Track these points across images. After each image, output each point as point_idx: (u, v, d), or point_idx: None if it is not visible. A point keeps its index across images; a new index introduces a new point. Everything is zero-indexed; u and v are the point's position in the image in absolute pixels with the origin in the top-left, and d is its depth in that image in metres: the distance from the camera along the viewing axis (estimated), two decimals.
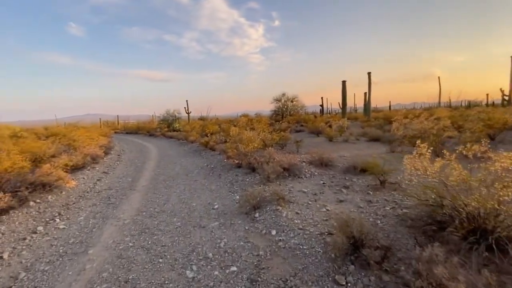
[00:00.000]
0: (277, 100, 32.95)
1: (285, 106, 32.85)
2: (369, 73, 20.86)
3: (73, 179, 7.38)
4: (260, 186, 5.27)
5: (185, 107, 30.65)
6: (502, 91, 25.11)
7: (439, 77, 32.67)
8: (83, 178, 7.63)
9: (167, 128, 24.28)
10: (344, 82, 17.40)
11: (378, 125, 15.38)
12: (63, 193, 6.14)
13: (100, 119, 44.85)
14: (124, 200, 5.59)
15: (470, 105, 29.07)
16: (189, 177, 7.14)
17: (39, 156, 8.56)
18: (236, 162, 7.59)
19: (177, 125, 24.50)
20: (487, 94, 29.90)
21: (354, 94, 39.12)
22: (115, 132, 31.91)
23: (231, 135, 7.80)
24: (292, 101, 32.76)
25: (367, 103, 21.47)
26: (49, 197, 5.72)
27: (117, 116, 43.47)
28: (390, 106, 35.04)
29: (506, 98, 24.27)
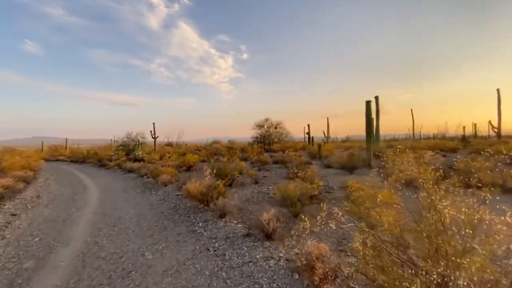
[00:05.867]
0: (260, 126, 27.90)
1: (268, 133, 27.87)
2: (376, 97, 16.91)
3: None
4: None
5: (151, 131, 23.75)
6: (490, 123, 23.41)
7: (411, 110, 31.02)
8: None
9: (125, 157, 17.16)
10: (368, 103, 12.95)
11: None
12: None
13: (42, 142, 34.91)
14: None
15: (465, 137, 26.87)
16: None
17: None
18: None
19: (140, 153, 17.57)
20: (464, 127, 28.56)
21: (328, 124, 34.54)
22: (57, 160, 23.39)
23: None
24: (276, 128, 28.00)
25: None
26: None
27: (66, 139, 33.92)
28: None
29: (495, 130, 22.28)
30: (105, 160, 17.40)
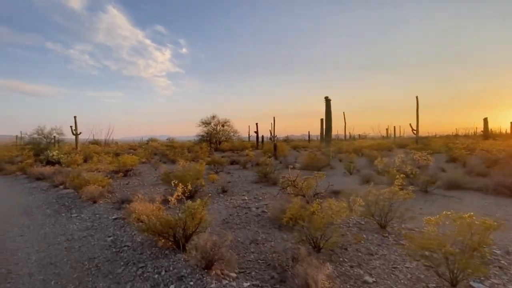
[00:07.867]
0: (206, 123, 25.58)
1: (215, 131, 25.81)
2: (326, 97, 17.09)
3: None
4: None
5: (71, 126, 19.02)
6: (411, 126, 26.92)
7: (344, 113, 33.08)
8: None
9: (31, 159, 12.91)
10: (328, 100, 12.59)
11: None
12: None
13: None
14: None
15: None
16: None
17: None
18: None
19: (55, 153, 13.48)
20: (387, 129, 32.53)
21: (274, 124, 34.82)
22: None
23: None
24: (223, 126, 26.15)
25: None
26: None
27: None
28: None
29: (415, 131, 25.53)
30: (3, 162, 12.83)
